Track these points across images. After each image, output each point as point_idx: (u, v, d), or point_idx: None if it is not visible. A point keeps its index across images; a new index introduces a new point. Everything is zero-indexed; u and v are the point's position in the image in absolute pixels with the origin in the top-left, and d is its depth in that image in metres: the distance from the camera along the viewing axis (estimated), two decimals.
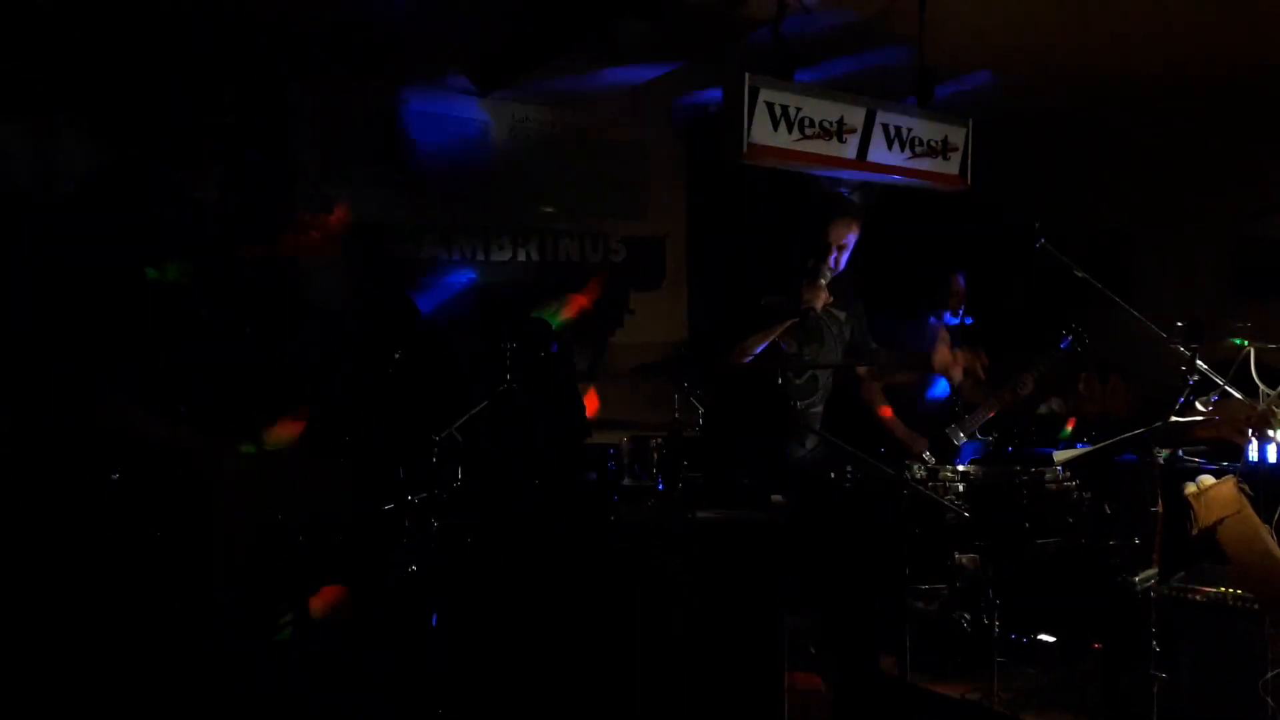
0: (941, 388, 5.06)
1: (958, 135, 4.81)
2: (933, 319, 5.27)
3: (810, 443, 4.28)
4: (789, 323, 4.14)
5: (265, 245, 5.43)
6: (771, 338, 4.15)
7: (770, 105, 4.33)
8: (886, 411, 4.67)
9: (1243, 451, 3.35)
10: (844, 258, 4.23)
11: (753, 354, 4.13)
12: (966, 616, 3.71)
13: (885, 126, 4.62)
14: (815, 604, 3.87)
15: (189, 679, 3.97)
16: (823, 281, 4.14)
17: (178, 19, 4.81)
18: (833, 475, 3.92)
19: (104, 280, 4.92)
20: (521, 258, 6.14)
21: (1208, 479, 2.98)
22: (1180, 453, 3.79)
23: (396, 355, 4.67)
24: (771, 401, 4.18)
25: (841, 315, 4.36)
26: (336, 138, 5.63)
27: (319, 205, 5.61)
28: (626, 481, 4.54)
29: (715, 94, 5.20)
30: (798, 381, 4.24)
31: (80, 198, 5.01)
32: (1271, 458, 3.95)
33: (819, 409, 4.34)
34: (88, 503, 4.23)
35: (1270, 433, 3.21)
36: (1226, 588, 3.26)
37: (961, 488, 3.80)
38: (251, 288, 5.38)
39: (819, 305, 4.12)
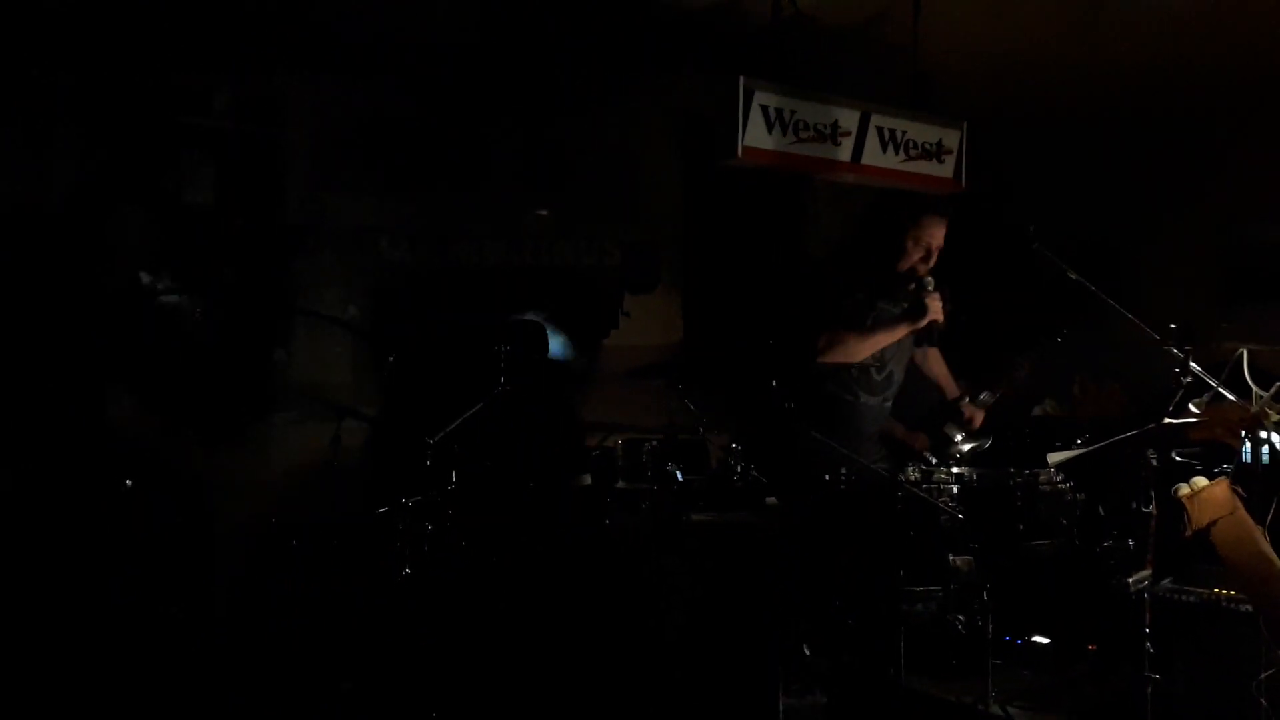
0: None
1: (952, 138, 4.82)
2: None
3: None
4: (904, 330, 4.06)
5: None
6: (884, 344, 4.08)
7: (765, 108, 4.34)
8: None
9: (1236, 453, 3.35)
10: (934, 259, 4.11)
11: (861, 357, 4.04)
12: (961, 618, 3.71)
13: (879, 129, 4.62)
14: (810, 606, 3.86)
15: (188, 680, 3.98)
16: (933, 289, 4.03)
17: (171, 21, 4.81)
18: (826, 477, 3.91)
19: (101, 286, 4.91)
20: (517, 261, 6.13)
21: (1201, 480, 2.98)
22: (1174, 454, 3.79)
23: (390, 359, 4.66)
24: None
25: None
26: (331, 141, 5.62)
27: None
28: (621, 484, 4.54)
29: (710, 97, 5.19)
30: (878, 378, 4.17)
31: (73, 203, 5.00)
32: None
33: (890, 405, 4.29)
34: (101, 508, 4.23)
35: (1263, 434, 3.22)
36: (1220, 589, 3.27)
37: (956, 490, 3.81)
38: (244, 292, 5.37)
39: (941, 317, 4.03)
